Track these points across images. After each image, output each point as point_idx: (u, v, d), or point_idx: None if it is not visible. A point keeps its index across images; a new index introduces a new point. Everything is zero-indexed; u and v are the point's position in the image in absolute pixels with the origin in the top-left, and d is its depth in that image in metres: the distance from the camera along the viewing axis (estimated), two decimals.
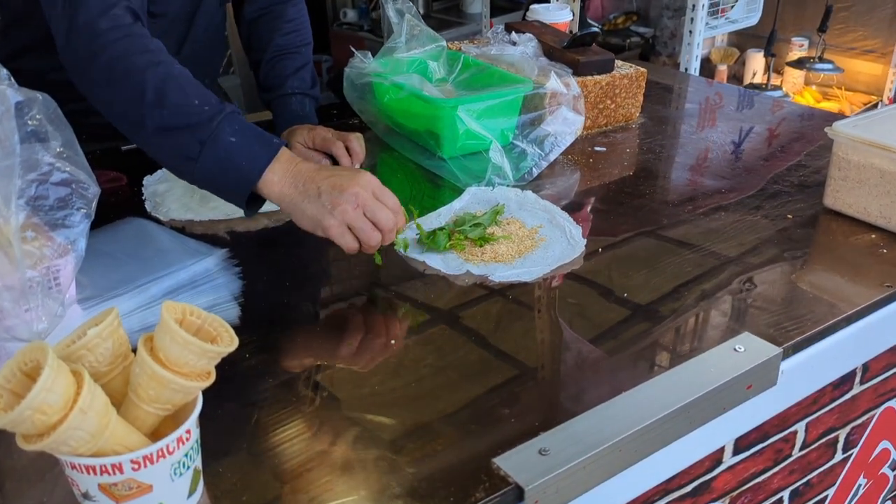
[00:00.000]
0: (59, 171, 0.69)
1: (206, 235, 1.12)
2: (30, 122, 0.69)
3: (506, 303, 0.96)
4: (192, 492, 0.64)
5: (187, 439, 0.62)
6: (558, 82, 1.36)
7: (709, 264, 1.04)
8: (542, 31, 1.60)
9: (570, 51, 1.49)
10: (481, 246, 1.05)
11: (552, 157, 1.33)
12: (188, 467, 0.63)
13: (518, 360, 0.86)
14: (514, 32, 1.58)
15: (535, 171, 1.30)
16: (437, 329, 0.93)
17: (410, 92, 1.31)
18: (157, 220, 1.15)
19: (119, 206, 1.19)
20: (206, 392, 0.63)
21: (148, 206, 1.19)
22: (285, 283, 1.01)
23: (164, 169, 1.29)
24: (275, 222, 1.16)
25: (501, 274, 1.00)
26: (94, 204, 0.76)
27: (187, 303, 0.64)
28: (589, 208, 1.23)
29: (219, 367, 0.63)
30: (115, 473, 0.58)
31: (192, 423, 0.62)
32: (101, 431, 0.57)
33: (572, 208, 1.19)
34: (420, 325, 0.93)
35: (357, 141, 1.31)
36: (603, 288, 1.00)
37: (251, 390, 0.81)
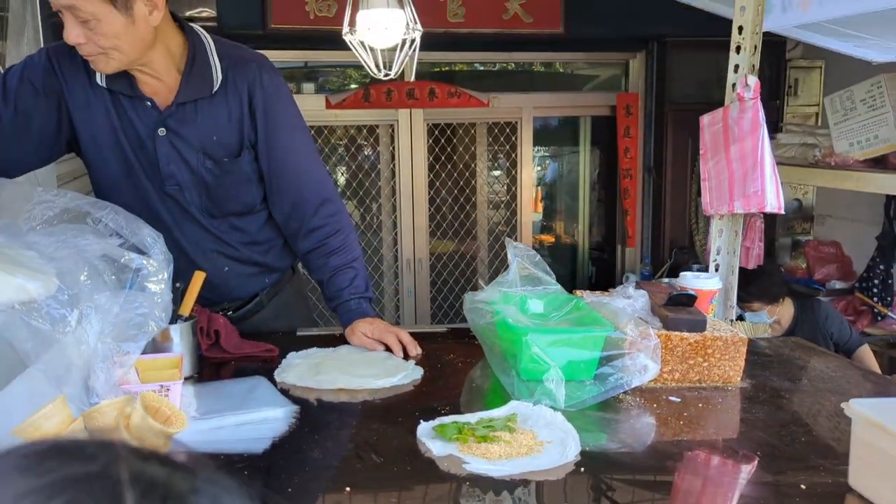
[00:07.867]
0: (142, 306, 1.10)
1: (300, 399, 1.45)
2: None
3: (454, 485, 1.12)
4: None
5: None
6: (635, 330, 1.51)
7: None
8: (658, 291, 1.76)
9: (665, 307, 1.63)
10: (479, 443, 1.22)
11: (610, 395, 1.46)
12: None
13: None
14: (632, 288, 1.77)
15: (589, 402, 1.43)
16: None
17: (501, 318, 1.57)
18: (273, 381, 1.51)
19: (260, 368, 1.59)
20: None
21: (277, 371, 1.57)
22: (315, 438, 1.27)
23: (308, 350, 1.69)
24: (350, 399, 1.45)
25: (476, 465, 1.16)
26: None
27: (243, 434, 1.22)
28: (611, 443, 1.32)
29: None
30: None
31: None
32: None
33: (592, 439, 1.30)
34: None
35: (408, 335, 1.64)
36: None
37: None
